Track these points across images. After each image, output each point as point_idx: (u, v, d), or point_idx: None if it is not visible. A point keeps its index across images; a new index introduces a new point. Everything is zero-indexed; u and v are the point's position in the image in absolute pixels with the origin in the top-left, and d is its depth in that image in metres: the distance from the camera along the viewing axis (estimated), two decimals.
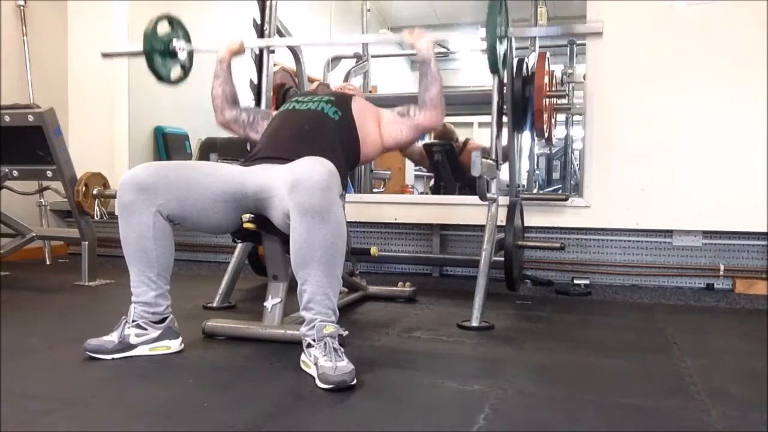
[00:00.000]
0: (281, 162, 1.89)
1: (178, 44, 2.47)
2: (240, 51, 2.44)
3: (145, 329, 1.83)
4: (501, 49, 2.23)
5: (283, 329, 1.98)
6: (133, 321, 1.82)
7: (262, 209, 1.88)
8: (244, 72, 3.02)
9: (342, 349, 1.64)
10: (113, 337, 1.80)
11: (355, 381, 1.57)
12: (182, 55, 2.49)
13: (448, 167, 4.06)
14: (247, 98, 2.96)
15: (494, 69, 2.24)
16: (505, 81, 2.72)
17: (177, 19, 2.50)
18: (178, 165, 1.95)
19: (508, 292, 2.86)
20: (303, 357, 1.71)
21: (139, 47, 2.41)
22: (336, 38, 2.59)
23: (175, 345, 1.88)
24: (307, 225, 1.64)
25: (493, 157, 2.58)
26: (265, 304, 2.06)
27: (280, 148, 2.03)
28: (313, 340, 1.66)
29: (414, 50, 2.25)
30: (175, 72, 2.52)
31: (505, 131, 2.79)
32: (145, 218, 1.80)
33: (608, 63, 3.15)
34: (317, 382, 1.58)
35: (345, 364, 1.59)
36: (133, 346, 1.81)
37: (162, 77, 2.48)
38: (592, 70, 3.21)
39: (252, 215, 1.90)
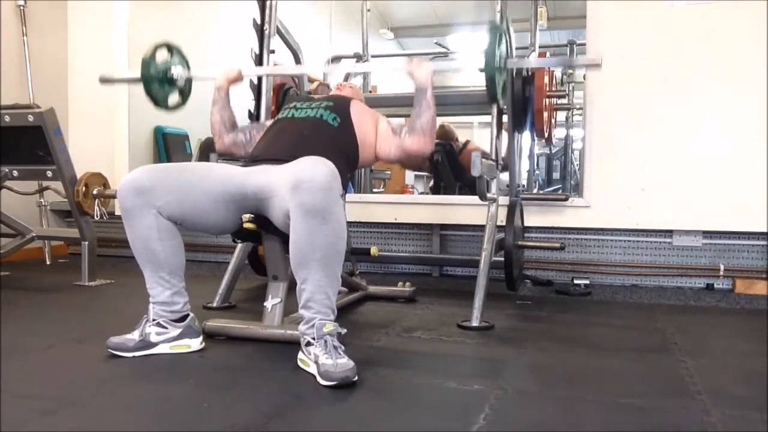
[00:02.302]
0: (281, 164, 1.90)
1: (176, 71, 2.45)
2: (238, 79, 2.42)
3: (166, 328, 1.85)
4: (500, 80, 2.22)
5: (283, 329, 1.98)
6: (153, 320, 1.85)
7: (263, 209, 1.88)
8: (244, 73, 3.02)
9: (342, 347, 1.65)
10: (134, 335, 1.83)
11: (356, 377, 1.57)
12: (180, 82, 2.48)
13: (447, 167, 4.07)
14: (247, 98, 2.97)
15: (493, 99, 2.22)
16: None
17: (176, 46, 2.49)
18: (177, 167, 1.95)
19: (508, 292, 2.86)
20: (301, 355, 1.72)
21: (138, 74, 2.40)
22: (332, 68, 2.61)
23: (195, 344, 1.90)
24: (308, 225, 1.64)
25: (493, 157, 2.58)
26: (265, 304, 2.06)
27: (280, 151, 2.03)
28: (313, 338, 1.67)
29: (413, 78, 2.22)
30: (173, 98, 2.51)
31: (505, 136, 2.78)
32: (148, 221, 1.81)
33: (608, 63, 3.14)
34: (318, 379, 1.58)
35: (346, 361, 1.60)
36: (153, 345, 1.84)
37: (159, 104, 2.46)
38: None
39: (252, 215, 1.90)
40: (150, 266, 1.85)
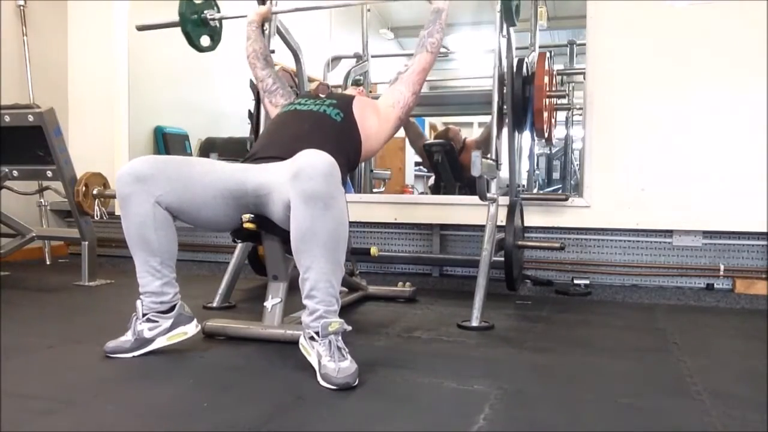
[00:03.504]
0: (280, 161, 1.89)
1: (209, 13, 2.73)
2: (267, 15, 2.64)
3: (157, 321, 1.84)
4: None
5: (283, 329, 1.98)
6: (143, 315, 1.83)
7: (262, 206, 1.87)
8: (244, 73, 3.02)
9: (346, 348, 1.64)
10: (128, 336, 1.82)
11: (357, 381, 1.57)
12: (213, 23, 2.76)
13: (447, 167, 4.05)
14: (245, 97, 2.97)
15: (510, 21, 2.38)
16: (506, 81, 2.73)
17: None
18: (178, 159, 1.96)
19: (508, 292, 2.86)
20: (302, 341, 1.71)
21: (170, 20, 2.70)
22: None
23: (191, 329, 1.90)
24: (310, 212, 1.62)
25: (493, 157, 2.58)
26: (265, 304, 2.05)
27: (280, 148, 2.01)
28: (317, 334, 1.65)
29: (432, 1, 2.38)
30: (205, 41, 2.77)
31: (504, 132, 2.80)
32: (145, 209, 1.80)
33: (608, 63, 3.15)
34: (319, 379, 1.59)
35: (348, 365, 1.59)
36: (150, 341, 1.83)
37: (195, 44, 2.73)
38: (592, 69, 3.21)
39: (252, 215, 1.89)
40: (141, 254, 1.84)
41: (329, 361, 1.59)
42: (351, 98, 2.28)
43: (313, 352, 1.65)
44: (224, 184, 1.89)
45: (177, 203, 1.85)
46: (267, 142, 2.12)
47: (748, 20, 2.95)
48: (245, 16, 2.62)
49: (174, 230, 1.88)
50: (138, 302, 1.86)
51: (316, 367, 1.62)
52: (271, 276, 2.09)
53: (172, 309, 1.88)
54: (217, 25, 2.78)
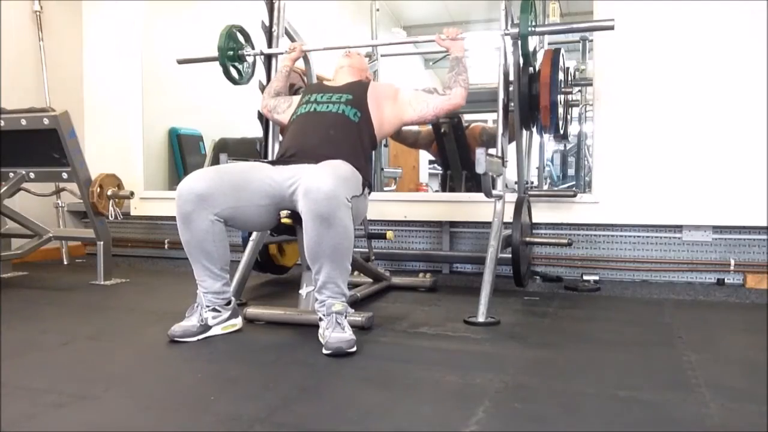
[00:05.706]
0: (310, 163, 2.09)
1: (246, 51, 2.96)
2: (298, 57, 2.83)
3: (219, 311, 2.10)
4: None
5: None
6: (208, 306, 2.07)
7: (296, 206, 2.05)
8: (255, 74, 3.06)
9: (345, 323, 1.91)
10: (193, 321, 2.05)
11: (353, 349, 1.84)
12: (249, 59, 2.99)
13: (454, 143, 4.01)
14: (256, 97, 3.02)
15: (527, 60, 2.59)
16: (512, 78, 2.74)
17: (246, 31, 3.00)
18: (229, 172, 2.14)
19: (517, 288, 2.88)
20: (320, 330, 1.95)
21: (209, 55, 2.92)
22: (378, 40, 3.02)
23: (239, 322, 2.17)
24: (315, 228, 1.88)
25: (499, 154, 2.59)
26: (300, 291, 2.29)
27: (309, 151, 2.22)
28: (324, 315, 1.92)
29: (450, 51, 2.55)
30: (235, 73, 2.97)
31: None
32: (206, 225, 2.02)
33: (616, 60, 3.15)
34: (323, 349, 1.83)
35: (343, 334, 1.86)
36: (210, 327, 2.07)
37: (232, 78, 2.95)
38: (601, 67, 3.22)
39: (289, 211, 2.13)
40: (203, 263, 2.06)
41: (330, 332, 1.87)
42: (365, 89, 2.43)
43: (321, 331, 1.92)
44: (267, 190, 2.12)
45: (231, 214, 2.07)
46: (295, 143, 2.31)
47: (755, 18, 2.94)
48: (282, 53, 2.85)
49: (227, 238, 2.10)
50: (200, 293, 2.08)
51: (322, 342, 1.86)
52: (305, 266, 2.23)
53: (229, 302, 2.14)
54: (249, 61, 2.99)
